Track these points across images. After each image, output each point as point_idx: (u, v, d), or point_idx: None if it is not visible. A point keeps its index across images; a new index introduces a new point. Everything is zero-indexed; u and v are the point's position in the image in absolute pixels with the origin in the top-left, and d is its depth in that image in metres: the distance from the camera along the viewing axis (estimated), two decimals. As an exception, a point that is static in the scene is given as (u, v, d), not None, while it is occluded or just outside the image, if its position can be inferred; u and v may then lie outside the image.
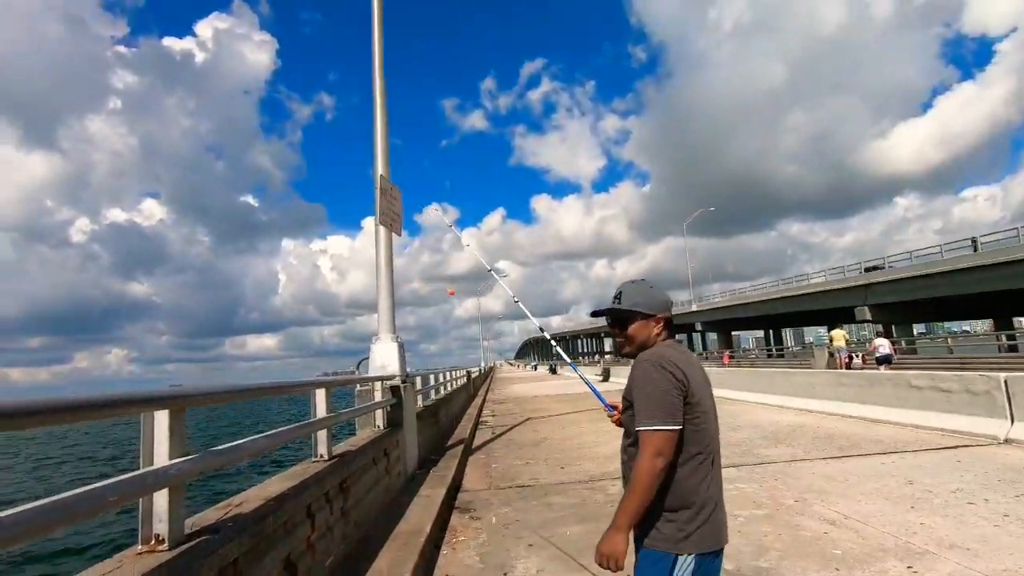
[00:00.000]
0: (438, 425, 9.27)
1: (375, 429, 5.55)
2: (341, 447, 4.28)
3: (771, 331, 69.24)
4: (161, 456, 2.02)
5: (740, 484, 5.48)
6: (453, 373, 15.60)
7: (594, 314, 2.00)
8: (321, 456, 3.77)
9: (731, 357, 46.07)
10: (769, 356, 47.58)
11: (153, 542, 1.97)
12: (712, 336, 69.59)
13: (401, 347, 6.44)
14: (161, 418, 2.03)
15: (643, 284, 1.80)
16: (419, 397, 7.68)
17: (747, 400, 12.90)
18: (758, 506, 4.71)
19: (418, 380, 7.90)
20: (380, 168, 6.58)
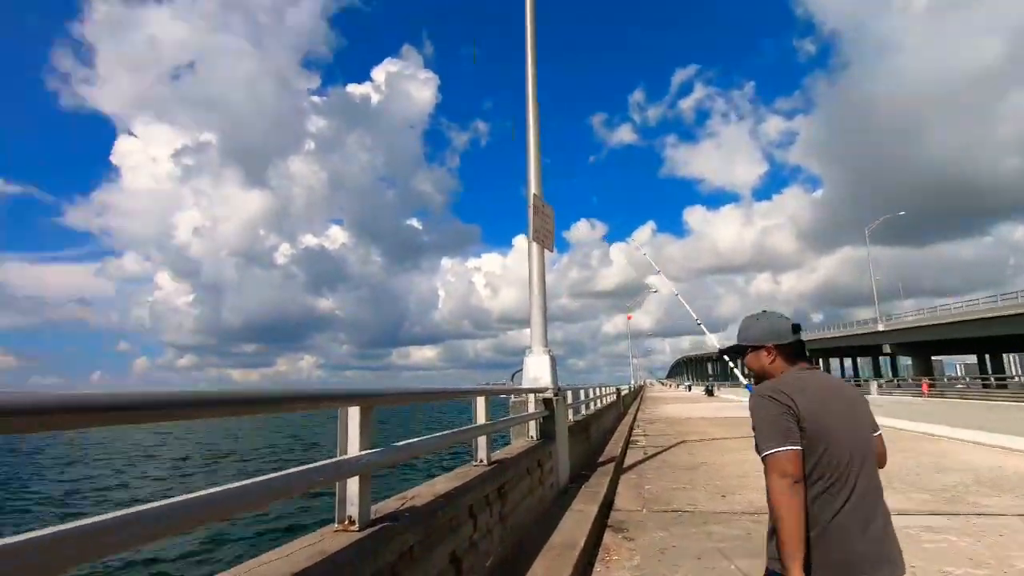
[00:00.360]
0: (588, 441, 9.23)
1: (529, 440, 5.72)
2: (498, 454, 4.48)
3: (987, 356, 57.51)
4: (353, 447, 2.31)
5: (950, 536, 4.62)
6: (603, 389, 15.44)
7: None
8: (481, 461, 3.98)
9: (931, 386, 39.19)
10: (985, 386, 39.47)
11: (347, 522, 2.25)
12: (906, 361, 59.80)
13: (553, 360, 6.57)
14: (354, 413, 2.32)
15: (752, 317, 1.89)
16: (570, 411, 7.74)
17: (954, 437, 10.82)
18: (976, 564, 3.93)
19: (569, 394, 7.97)
20: (533, 187, 6.84)
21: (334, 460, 2.17)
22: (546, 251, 6.93)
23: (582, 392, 10.43)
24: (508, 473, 4.07)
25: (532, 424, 5.81)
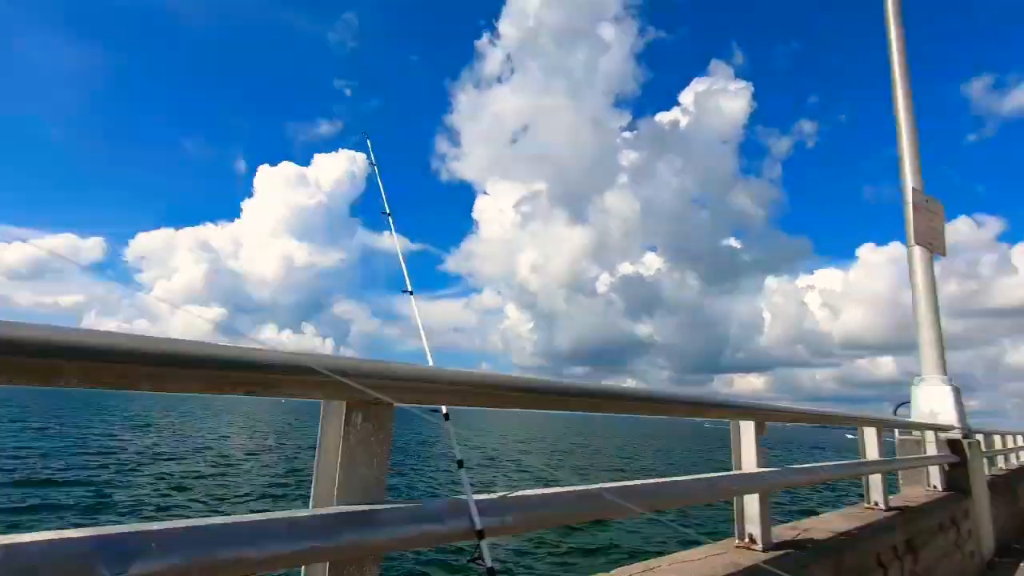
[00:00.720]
0: (1016, 503, 6.88)
1: (929, 489, 4.59)
2: (896, 500, 3.73)
3: None
4: (749, 463, 2.24)
5: None
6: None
7: None
8: (875, 504, 3.38)
9: None
10: None
11: (747, 541, 2.19)
12: None
13: (957, 392, 5.18)
14: (747, 428, 2.26)
15: None
16: (984, 461, 5.93)
17: None
18: None
19: (979, 438, 6.13)
20: (910, 180, 5.64)
21: (731, 474, 2.15)
22: (934, 256, 5.58)
23: (998, 438, 7.88)
24: (916, 525, 3.34)
25: (934, 470, 4.66)
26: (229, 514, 0.82)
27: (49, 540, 0.64)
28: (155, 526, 0.73)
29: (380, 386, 1.04)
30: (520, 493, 1.22)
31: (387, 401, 1.06)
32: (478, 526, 1.06)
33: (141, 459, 16.12)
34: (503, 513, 1.14)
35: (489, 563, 1.04)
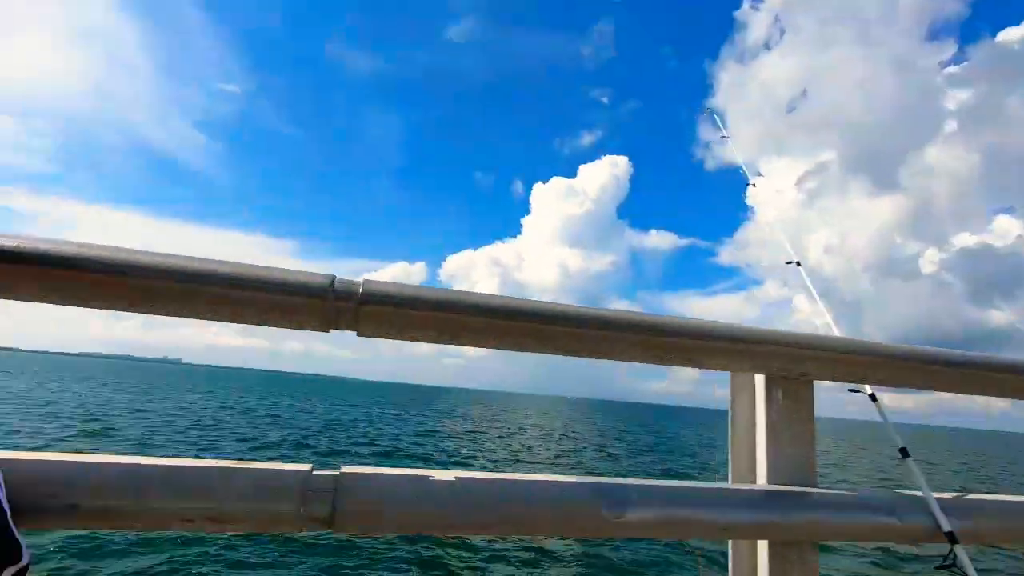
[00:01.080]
0: None
1: None
2: None
3: None
4: None
5: None
6: None
7: None
8: None
9: None
10: None
11: None
12: None
13: None
14: None
15: None
16: None
17: None
18: None
19: None
20: None
21: None
22: None
23: None
24: None
25: None
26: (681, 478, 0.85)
27: (565, 481, 0.75)
28: (632, 481, 0.79)
29: (799, 357, 0.95)
30: (980, 496, 0.98)
31: (808, 376, 0.97)
32: (946, 528, 0.87)
33: (458, 443, 19.26)
34: (969, 517, 0.92)
35: (972, 574, 0.84)
